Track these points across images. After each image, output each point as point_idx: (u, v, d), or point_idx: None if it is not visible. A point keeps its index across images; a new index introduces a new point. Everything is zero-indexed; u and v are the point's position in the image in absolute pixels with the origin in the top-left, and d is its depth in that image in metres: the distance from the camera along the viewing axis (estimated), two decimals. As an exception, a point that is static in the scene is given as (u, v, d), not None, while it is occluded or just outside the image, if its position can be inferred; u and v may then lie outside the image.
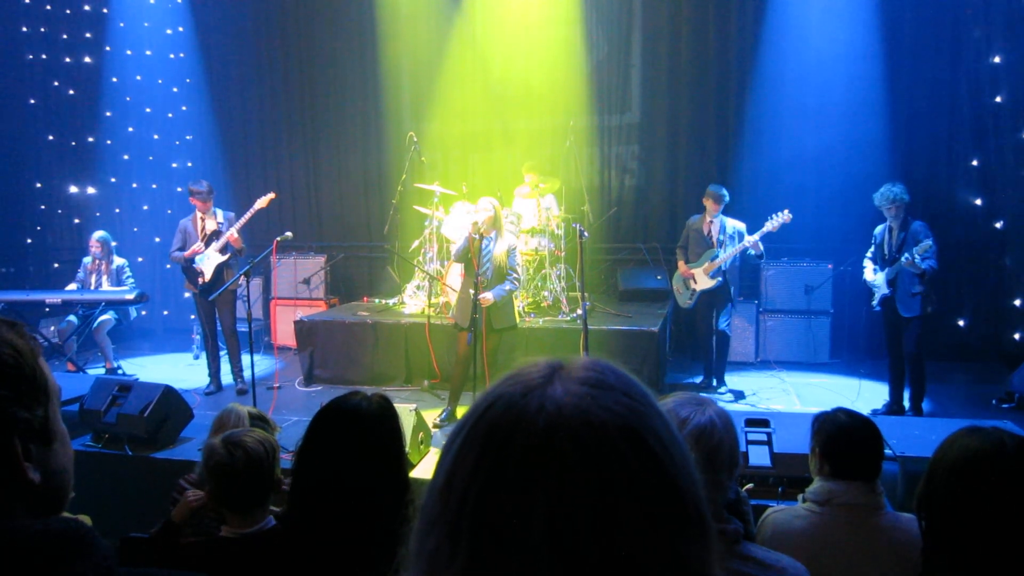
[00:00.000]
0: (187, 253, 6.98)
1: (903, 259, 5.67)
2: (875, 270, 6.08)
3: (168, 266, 10.47)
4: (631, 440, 0.62)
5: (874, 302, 6.09)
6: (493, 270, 5.74)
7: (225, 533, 2.25)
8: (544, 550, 0.58)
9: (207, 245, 6.99)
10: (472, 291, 5.66)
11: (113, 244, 8.08)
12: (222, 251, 6.97)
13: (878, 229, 6.12)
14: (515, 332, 6.25)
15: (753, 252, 6.52)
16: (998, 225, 7.61)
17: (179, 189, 10.55)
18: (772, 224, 6.40)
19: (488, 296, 5.66)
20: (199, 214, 7.06)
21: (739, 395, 6.78)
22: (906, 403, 6.11)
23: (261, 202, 6.96)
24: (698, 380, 7.12)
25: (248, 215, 6.96)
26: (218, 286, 6.71)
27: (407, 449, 2.23)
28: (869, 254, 6.19)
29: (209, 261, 6.96)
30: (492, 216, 5.74)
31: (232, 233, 6.89)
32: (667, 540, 0.61)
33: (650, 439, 0.63)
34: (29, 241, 9.80)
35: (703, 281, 6.70)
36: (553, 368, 0.68)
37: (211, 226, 7.02)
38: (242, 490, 2.24)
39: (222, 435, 2.34)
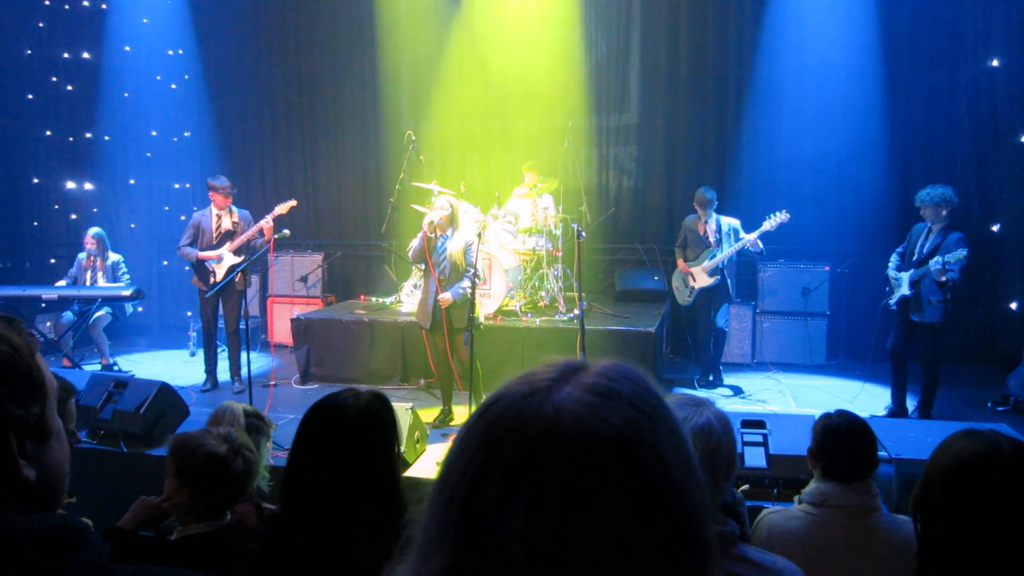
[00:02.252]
0: (202, 255, 6.86)
1: (932, 264, 5.53)
2: (897, 266, 5.98)
3: (165, 262, 10.46)
4: (623, 454, 0.61)
5: (892, 300, 5.97)
6: (450, 268, 5.69)
7: (185, 533, 2.19)
8: (520, 554, 0.58)
9: (220, 244, 6.92)
10: (442, 294, 5.65)
11: (108, 240, 8.06)
12: (236, 252, 6.88)
13: (916, 227, 5.96)
14: (512, 332, 6.25)
15: (752, 249, 6.58)
16: (994, 228, 7.63)
17: (176, 186, 10.54)
18: (770, 223, 6.46)
19: (446, 296, 5.62)
20: (216, 210, 6.95)
21: (737, 391, 6.81)
22: (910, 405, 6.10)
23: (281, 208, 6.82)
24: (696, 377, 7.13)
25: (266, 220, 6.77)
26: (227, 286, 6.68)
27: (403, 448, 2.22)
28: (900, 249, 6.07)
29: (223, 262, 6.87)
30: (449, 214, 5.69)
31: (268, 223, 6.72)
32: (653, 561, 0.60)
33: (646, 455, 0.62)
34: (26, 236, 9.77)
35: (702, 279, 6.77)
36: (565, 371, 0.67)
37: (227, 224, 6.93)
38: (235, 492, 2.21)
39: (216, 431, 2.30)
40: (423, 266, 5.96)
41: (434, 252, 5.72)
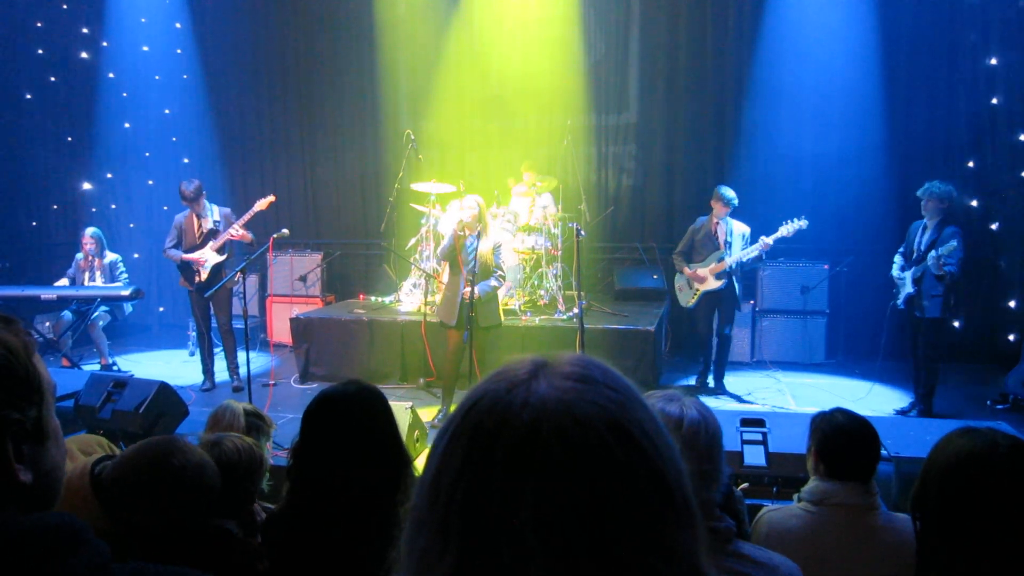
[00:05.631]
0: (186, 256, 6.90)
1: (929, 258, 5.64)
2: (901, 266, 6.06)
3: (166, 260, 10.43)
4: (616, 432, 0.63)
5: (899, 300, 6.04)
6: (479, 267, 5.76)
7: None
8: (533, 543, 0.59)
9: (204, 244, 6.94)
10: (467, 288, 5.68)
11: (105, 240, 8.06)
12: (219, 251, 6.92)
13: (913, 225, 6.05)
14: (511, 331, 6.28)
15: (762, 252, 6.46)
16: (993, 227, 7.63)
17: (175, 185, 10.51)
18: (787, 229, 6.36)
19: (473, 291, 5.68)
20: (195, 211, 7.00)
21: (737, 399, 6.73)
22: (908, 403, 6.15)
23: (260, 204, 6.90)
24: (693, 381, 7.09)
25: (247, 216, 6.89)
26: (215, 284, 6.71)
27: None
28: (901, 249, 6.14)
29: (207, 261, 6.91)
30: (477, 214, 5.77)
31: (237, 231, 6.80)
32: (655, 529, 0.63)
33: (635, 430, 0.65)
34: (25, 236, 9.77)
35: (709, 282, 6.63)
36: (538, 365, 0.69)
37: (208, 224, 6.96)
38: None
39: (203, 440, 2.35)
40: (447, 264, 6.01)
41: (463, 251, 5.77)
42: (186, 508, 1.89)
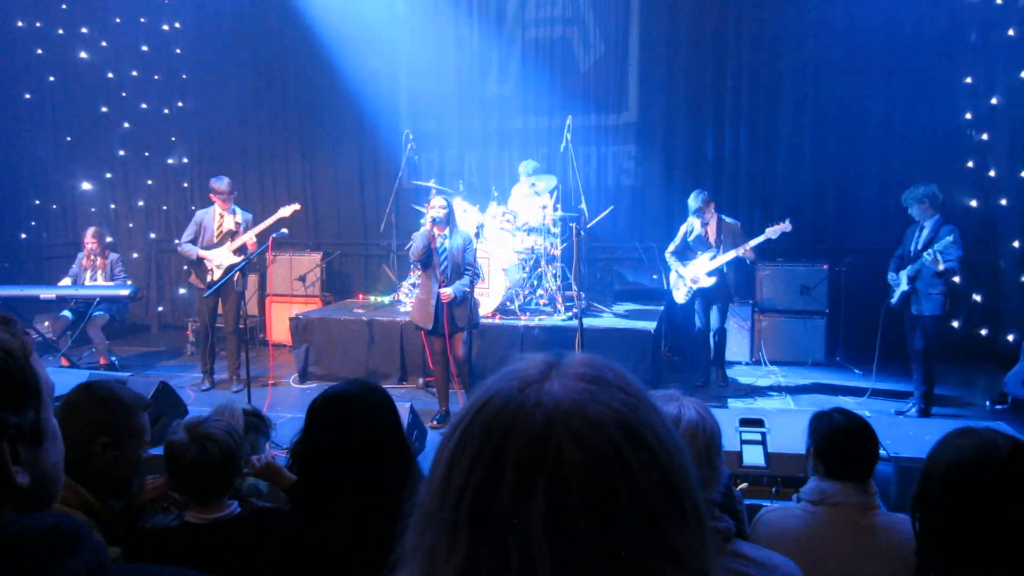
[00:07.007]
0: (202, 253, 6.86)
1: (925, 255, 5.67)
2: (894, 266, 6.10)
3: (164, 262, 10.45)
4: (628, 435, 0.63)
5: (893, 300, 6.07)
6: (451, 267, 5.76)
7: (191, 519, 2.21)
8: (542, 544, 0.59)
9: (221, 243, 6.92)
10: (441, 289, 5.67)
11: (108, 240, 8.05)
12: (237, 252, 6.88)
13: (910, 229, 6.11)
14: (511, 331, 6.26)
15: (747, 259, 6.65)
16: (993, 228, 7.63)
17: (175, 185, 10.52)
18: (771, 232, 6.50)
19: (448, 291, 5.68)
20: (219, 210, 6.95)
21: (740, 391, 6.78)
22: (909, 403, 6.15)
23: (284, 211, 6.89)
24: (693, 380, 7.11)
25: (270, 221, 6.87)
26: (226, 286, 6.70)
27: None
28: (898, 252, 6.18)
29: (222, 262, 6.87)
30: (446, 213, 5.76)
31: (251, 238, 6.81)
32: (664, 534, 0.62)
33: (647, 434, 0.64)
34: (24, 236, 9.77)
35: (703, 279, 6.75)
36: (550, 364, 0.68)
37: (229, 224, 6.93)
38: (203, 481, 2.18)
39: (184, 424, 2.25)
40: (420, 266, 5.97)
41: (435, 252, 5.76)
42: None
